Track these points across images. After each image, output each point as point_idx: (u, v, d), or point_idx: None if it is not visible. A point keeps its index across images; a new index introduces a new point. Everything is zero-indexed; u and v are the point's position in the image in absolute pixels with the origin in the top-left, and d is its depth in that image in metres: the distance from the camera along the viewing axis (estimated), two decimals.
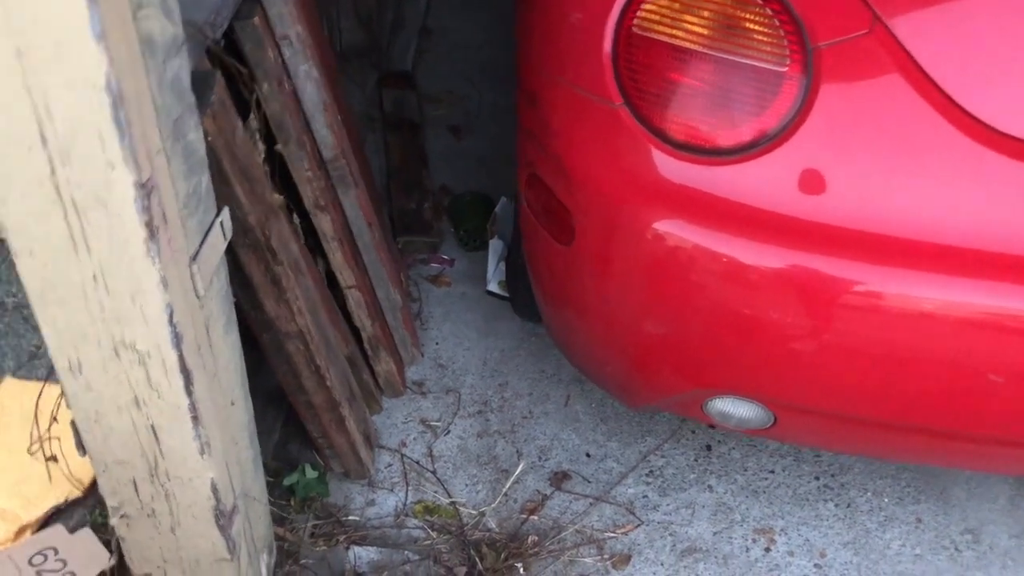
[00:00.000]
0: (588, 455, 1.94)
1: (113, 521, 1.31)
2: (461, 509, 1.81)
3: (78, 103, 0.89)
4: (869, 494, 1.89)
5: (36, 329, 2.21)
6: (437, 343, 2.15)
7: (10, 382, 2.03)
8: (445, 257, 2.38)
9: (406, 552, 1.70)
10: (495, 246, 2.34)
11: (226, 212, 1.21)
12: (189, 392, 1.13)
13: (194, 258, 1.13)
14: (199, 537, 1.31)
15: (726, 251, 1.34)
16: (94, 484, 1.82)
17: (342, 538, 1.70)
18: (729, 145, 1.34)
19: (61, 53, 0.86)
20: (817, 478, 1.92)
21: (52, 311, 1.07)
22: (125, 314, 1.06)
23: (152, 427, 1.18)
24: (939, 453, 1.52)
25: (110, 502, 1.29)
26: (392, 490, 1.84)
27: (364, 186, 1.82)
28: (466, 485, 1.86)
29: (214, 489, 1.24)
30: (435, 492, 1.84)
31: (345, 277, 1.76)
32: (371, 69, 2.86)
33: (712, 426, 2.00)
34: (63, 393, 1.18)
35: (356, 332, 1.88)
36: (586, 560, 1.74)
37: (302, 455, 1.84)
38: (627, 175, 1.39)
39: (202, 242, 1.15)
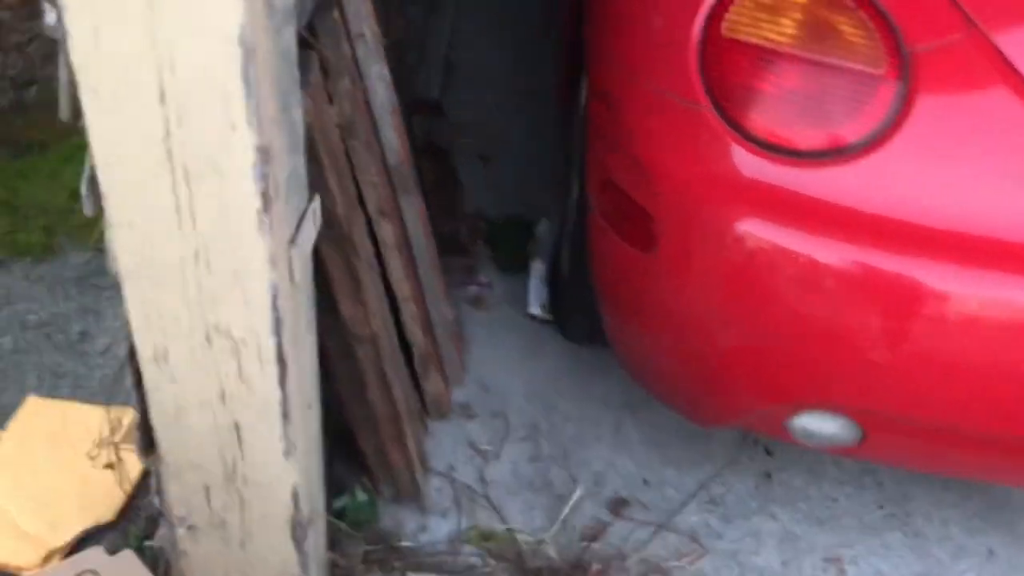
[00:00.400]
0: (645, 481, 1.86)
1: (179, 533, 1.21)
2: (518, 535, 1.71)
3: (207, 55, 0.84)
4: (936, 523, 1.82)
5: (57, 348, 2.14)
6: (480, 366, 2.08)
7: (33, 400, 1.93)
8: (484, 280, 2.31)
9: None
10: (536, 268, 2.28)
11: (317, 199, 1.15)
12: (283, 384, 1.05)
13: (292, 242, 1.06)
14: (270, 551, 1.22)
15: (825, 257, 1.30)
16: (126, 508, 1.72)
17: (397, 564, 1.61)
18: (823, 148, 1.31)
19: (196, 1, 0.81)
20: (881, 506, 1.85)
21: (143, 292, 1.00)
22: (224, 295, 0.99)
23: (236, 425, 1.09)
24: None
25: (176, 511, 1.20)
26: (444, 515, 1.74)
27: (421, 197, 1.77)
28: (521, 511, 1.77)
29: (295, 496, 1.16)
30: (489, 518, 1.75)
31: (402, 288, 1.69)
32: (400, 96, 2.83)
33: (770, 452, 1.94)
34: (140, 387, 1.10)
35: (405, 348, 1.81)
36: None
37: (348, 477, 1.74)
38: (718, 179, 1.35)
39: (298, 226, 1.08)
